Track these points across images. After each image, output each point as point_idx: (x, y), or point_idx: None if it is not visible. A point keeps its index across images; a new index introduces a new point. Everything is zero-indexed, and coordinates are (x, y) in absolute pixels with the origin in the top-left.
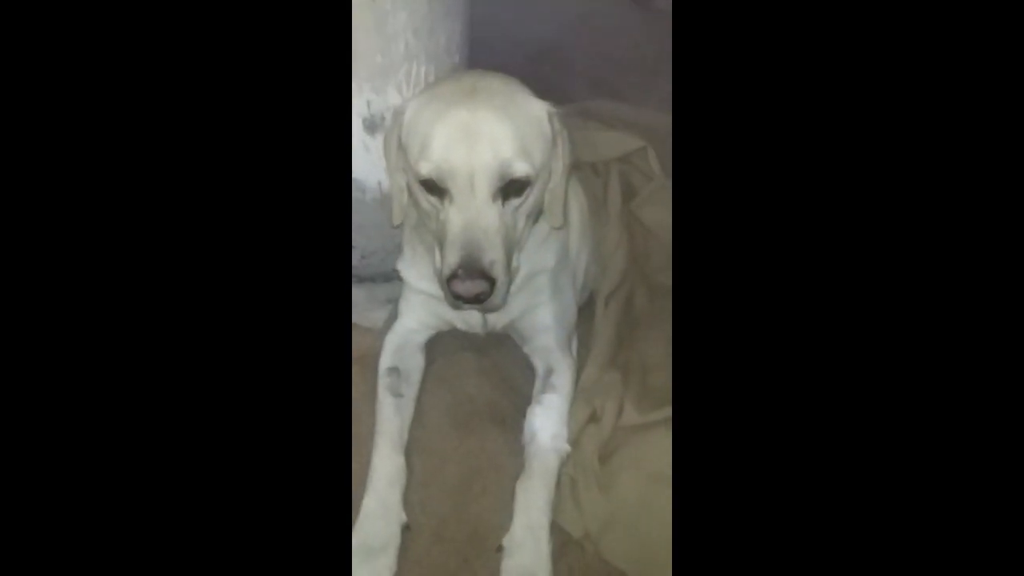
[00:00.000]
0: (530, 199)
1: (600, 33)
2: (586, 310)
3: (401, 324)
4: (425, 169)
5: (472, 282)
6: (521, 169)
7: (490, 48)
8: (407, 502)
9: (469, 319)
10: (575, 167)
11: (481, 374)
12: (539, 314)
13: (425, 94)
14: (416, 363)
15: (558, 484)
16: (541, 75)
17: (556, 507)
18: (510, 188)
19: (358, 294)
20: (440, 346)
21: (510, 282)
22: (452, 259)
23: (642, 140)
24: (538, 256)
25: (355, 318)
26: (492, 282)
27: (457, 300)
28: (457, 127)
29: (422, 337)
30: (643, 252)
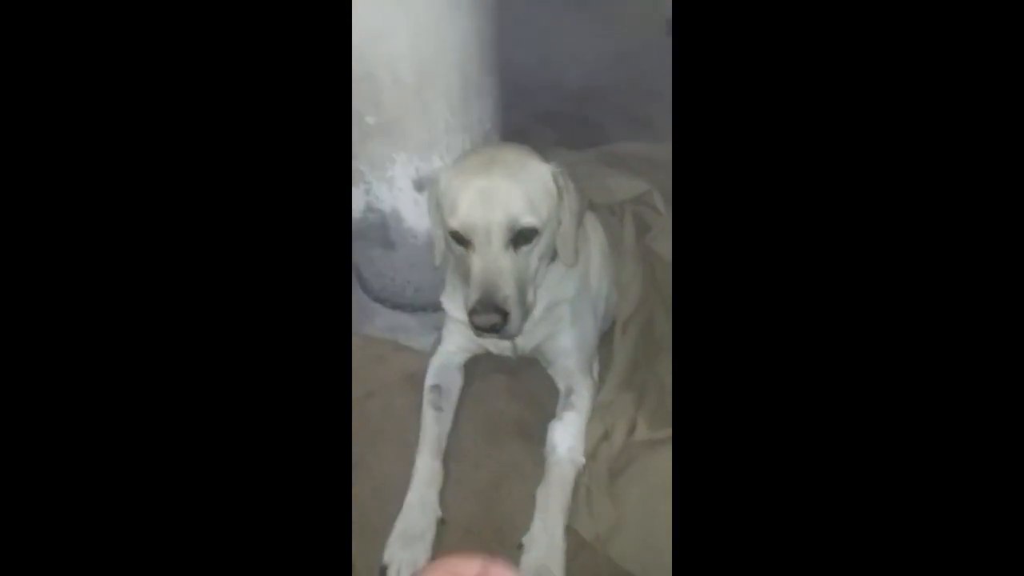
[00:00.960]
0: (540, 244)
1: (637, 70)
2: (608, 336)
3: (443, 348)
4: (454, 224)
5: (488, 315)
6: (528, 221)
7: (533, 94)
8: (443, 500)
9: (500, 344)
10: (592, 209)
11: (511, 393)
12: (560, 339)
13: (455, 166)
14: (455, 382)
15: (574, 492)
16: (581, 115)
17: (571, 512)
18: (520, 237)
19: (411, 321)
20: (477, 368)
21: (526, 313)
22: (473, 296)
23: (647, 184)
24: (558, 288)
25: (409, 342)
26: (505, 315)
27: (478, 330)
28: (477, 192)
29: (461, 359)
30: (663, 281)
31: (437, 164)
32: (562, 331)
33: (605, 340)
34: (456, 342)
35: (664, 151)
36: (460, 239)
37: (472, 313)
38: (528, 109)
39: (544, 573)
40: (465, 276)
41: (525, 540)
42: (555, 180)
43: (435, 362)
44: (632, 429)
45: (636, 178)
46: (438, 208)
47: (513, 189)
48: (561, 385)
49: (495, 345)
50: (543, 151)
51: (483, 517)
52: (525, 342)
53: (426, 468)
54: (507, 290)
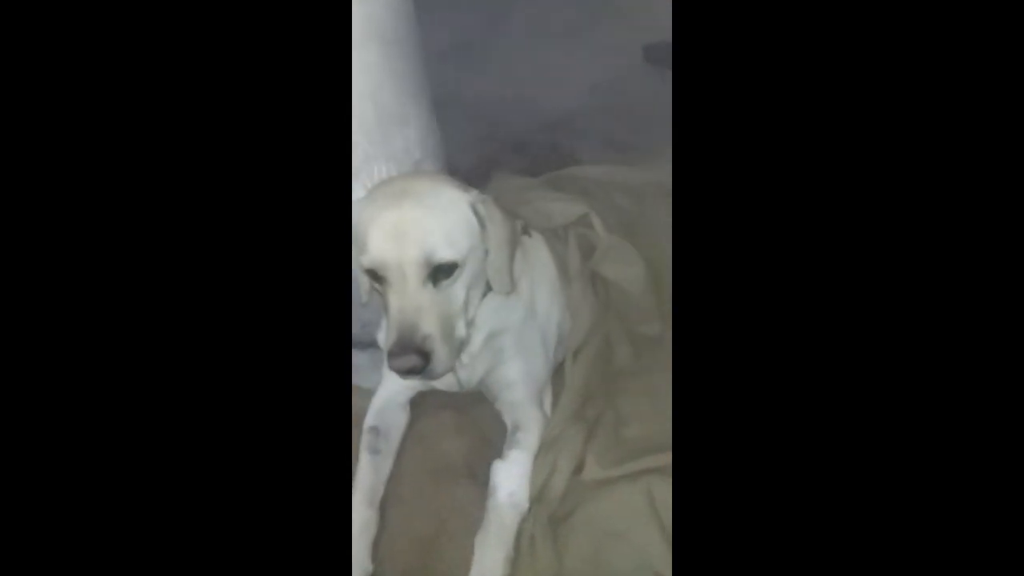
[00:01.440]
0: (464, 276)
1: (615, 96)
2: (563, 367)
3: (384, 387)
4: (366, 262)
5: (404, 357)
6: (446, 255)
7: (506, 124)
8: (376, 552)
9: (445, 379)
10: (537, 232)
11: (458, 431)
12: (504, 371)
13: (367, 197)
14: (396, 422)
15: (518, 538)
16: (555, 142)
17: (515, 561)
18: (439, 272)
19: (361, 359)
20: (424, 406)
21: (456, 350)
22: (391, 338)
23: (585, 207)
24: (499, 318)
25: (358, 380)
26: (426, 355)
27: (400, 375)
28: (388, 227)
29: (404, 398)
30: (621, 307)
31: (360, 194)
32: (505, 362)
33: (561, 372)
34: (396, 380)
35: (623, 172)
36: (374, 276)
37: (390, 356)
38: (500, 138)
39: None
40: (384, 314)
41: None
42: (474, 209)
43: (375, 402)
44: (580, 467)
45: (575, 202)
46: (356, 244)
47: (427, 222)
48: (508, 420)
49: (440, 381)
50: (488, 178)
51: (419, 570)
52: (469, 376)
53: (359, 517)
54: (427, 329)
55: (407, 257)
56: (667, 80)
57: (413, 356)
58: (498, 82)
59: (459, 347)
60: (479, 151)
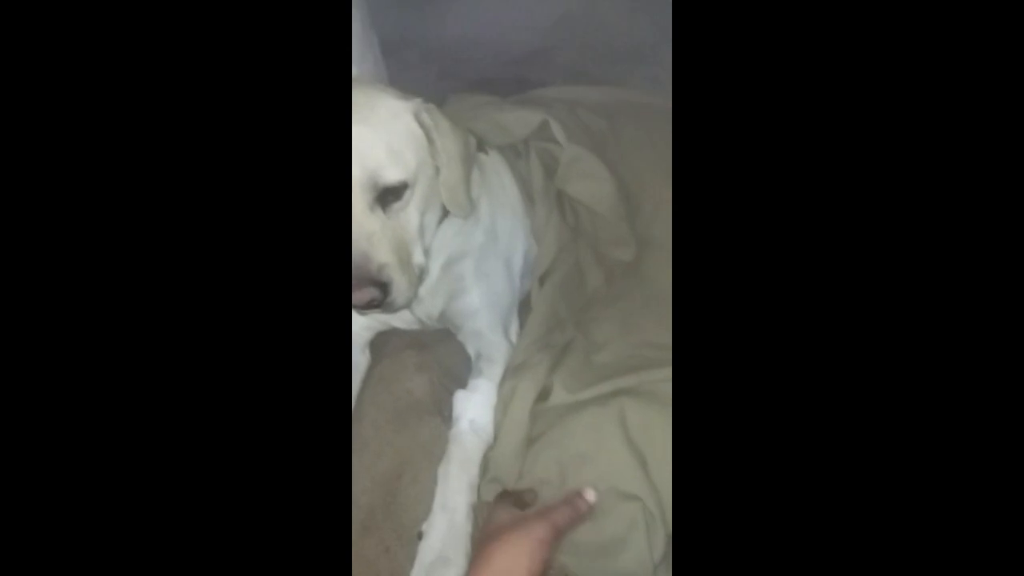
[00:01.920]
0: (416, 198)
1: (584, 28)
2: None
3: None
4: None
5: (362, 291)
6: (392, 176)
7: (470, 61)
8: None
9: (403, 316)
10: (496, 150)
11: (421, 369)
12: (465, 299)
13: None
14: (356, 364)
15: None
16: (522, 76)
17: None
18: (388, 194)
19: None
20: (384, 347)
21: (416, 278)
22: None
23: (543, 114)
24: (456, 243)
25: None
26: (384, 286)
27: (356, 309)
28: None
29: (363, 339)
30: (590, 230)
31: None
32: (466, 289)
33: (529, 303)
34: (355, 320)
35: (590, 91)
36: None
37: None
38: (468, 76)
39: (443, 562)
40: None
41: (424, 527)
42: (418, 119)
43: None
44: (547, 395)
45: (533, 111)
46: None
47: (367, 138)
48: (471, 350)
49: (398, 319)
50: (445, 101)
51: (382, 511)
52: (428, 308)
53: None
54: (382, 257)
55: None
56: (641, 10)
57: (370, 288)
58: (458, 16)
59: (419, 276)
60: (439, 88)
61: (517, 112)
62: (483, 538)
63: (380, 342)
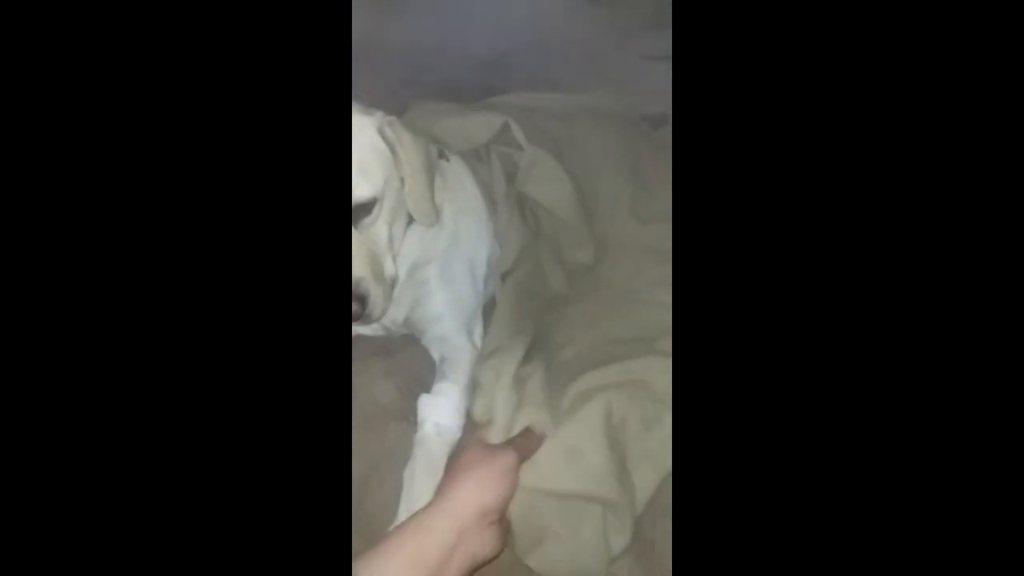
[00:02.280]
0: (384, 212)
1: (546, 33)
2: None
3: None
4: None
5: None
6: (363, 192)
7: (433, 67)
8: None
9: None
10: (457, 156)
11: (388, 375)
12: (428, 304)
13: None
14: None
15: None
16: (483, 82)
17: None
18: (359, 210)
19: None
20: (351, 353)
21: (388, 288)
22: None
23: (503, 116)
24: (421, 249)
25: None
26: (363, 299)
27: None
28: None
29: None
30: (549, 232)
31: None
32: (429, 294)
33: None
34: None
35: (549, 98)
36: None
37: None
38: (430, 82)
39: None
40: None
41: (392, 529)
42: (382, 134)
43: None
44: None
45: (493, 114)
46: None
47: None
48: (436, 355)
49: (364, 327)
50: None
51: (354, 508)
52: (393, 315)
53: None
54: (358, 272)
55: None
56: (608, 20)
57: (352, 303)
58: (422, 22)
59: (391, 285)
60: (403, 94)
61: (479, 116)
62: (454, 471)
63: None
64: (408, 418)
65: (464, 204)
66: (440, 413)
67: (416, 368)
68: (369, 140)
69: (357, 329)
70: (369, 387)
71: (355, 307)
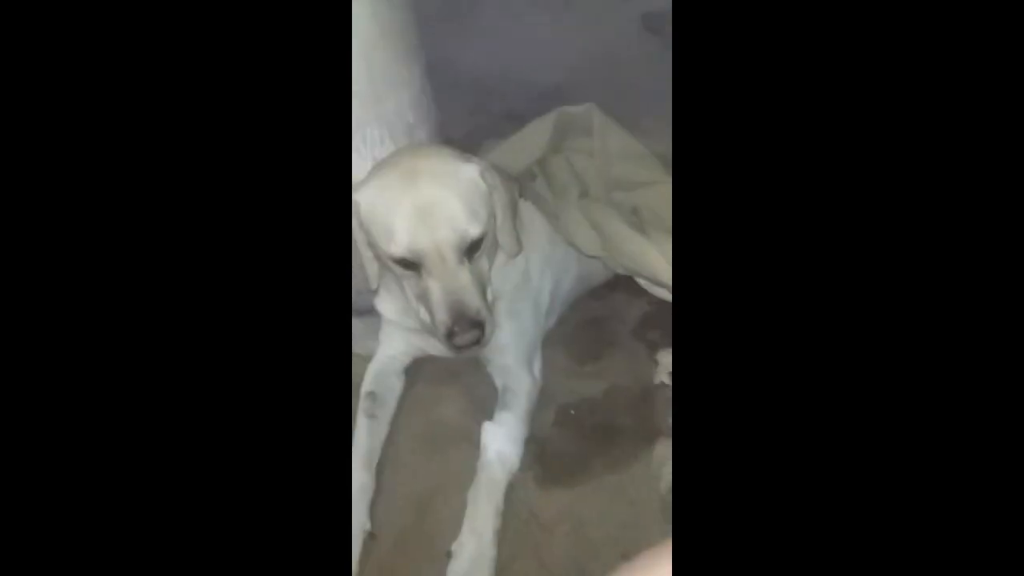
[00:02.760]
0: (487, 245)
1: (611, 66)
2: (556, 332)
3: (381, 352)
4: (397, 252)
5: (469, 334)
6: (475, 232)
7: (502, 95)
8: (373, 513)
9: (439, 346)
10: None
11: (454, 397)
12: (496, 335)
13: (374, 182)
14: (393, 388)
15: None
16: (544, 110)
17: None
18: (471, 248)
19: (357, 326)
20: (421, 373)
21: (493, 314)
22: (444, 318)
23: (550, 126)
24: (496, 283)
25: (355, 348)
26: (482, 326)
27: (459, 349)
28: (413, 213)
29: (400, 364)
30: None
31: (354, 159)
32: (498, 327)
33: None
34: (394, 346)
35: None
36: (407, 264)
37: (451, 335)
38: (496, 110)
39: None
40: (421, 298)
41: (454, 547)
42: (483, 178)
43: (372, 367)
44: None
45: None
46: (362, 231)
47: (450, 201)
48: (498, 383)
49: (435, 348)
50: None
51: (415, 528)
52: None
53: (356, 479)
54: (475, 302)
55: (443, 240)
56: (667, 50)
57: (475, 330)
58: (487, 50)
59: (493, 310)
60: (470, 122)
61: (524, 131)
62: None
63: (415, 368)
64: (471, 440)
65: (534, 241)
66: (501, 442)
67: (479, 392)
68: (475, 185)
69: (428, 349)
70: (435, 406)
71: (476, 333)
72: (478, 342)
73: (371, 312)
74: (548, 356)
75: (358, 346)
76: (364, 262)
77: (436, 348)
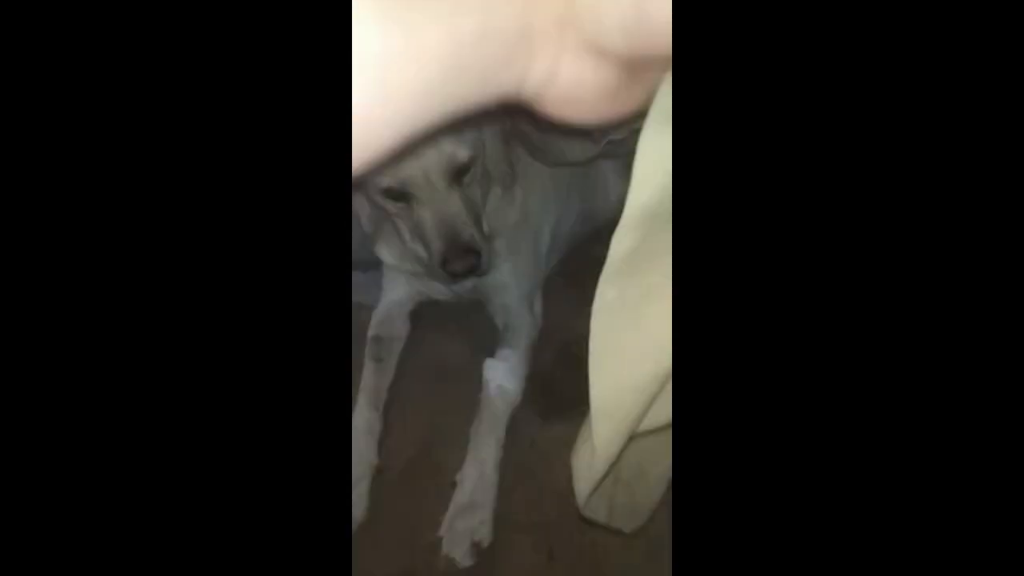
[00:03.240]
0: (477, 171)
1: None
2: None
3: (385, 298)
4: (385, 183)
5: (463, 259)
6: (463, 155)
7: None
8: (381, 447)
9: (441, 289)
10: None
11: (457, 338)
12: (495, 274)
13: None
14: (398, 332)
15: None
16: None
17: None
18: (460, 171)
19: (360, 277)
20: (425, 319)
21: (489, 243)
22: (438, 246)
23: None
24: (494, 219)
25: (357, 297)
26: (477, 252)
27: (455, 276)
28: None
29: (404, 310)
30: None
31: None
32: (497, 265)
33: (555, 276)
34: (398, 291)
35: None
36: (395, 195)
37: (445, 263)
38: None
39: (472, 507)
40: (415, 231)
41: (457, 477)
42: None
43: (377, 313)
44: None
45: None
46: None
47: None
48: (499, 322)
49: (437, 291)
50: None
51: (421, 461)
52: (462, 282)
53: (363, 418)
54: (470, 228)
55: (430, 165)
56: None
57: (469, 256)
58: None
59: (489, 241)
60: None
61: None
62: None
63: (419, 312)
64: (473, 379)
65: (532, 178)
66: (503, 377)
67: (482, 333)
68: None
69: (431, 293)
70: (441, 347)
71: (470, 259)
72: (474, 269)
73: (374, 266)
74: (549, 295)
75: (361, 296)
76: (355, 206)
77: (438, 291)
